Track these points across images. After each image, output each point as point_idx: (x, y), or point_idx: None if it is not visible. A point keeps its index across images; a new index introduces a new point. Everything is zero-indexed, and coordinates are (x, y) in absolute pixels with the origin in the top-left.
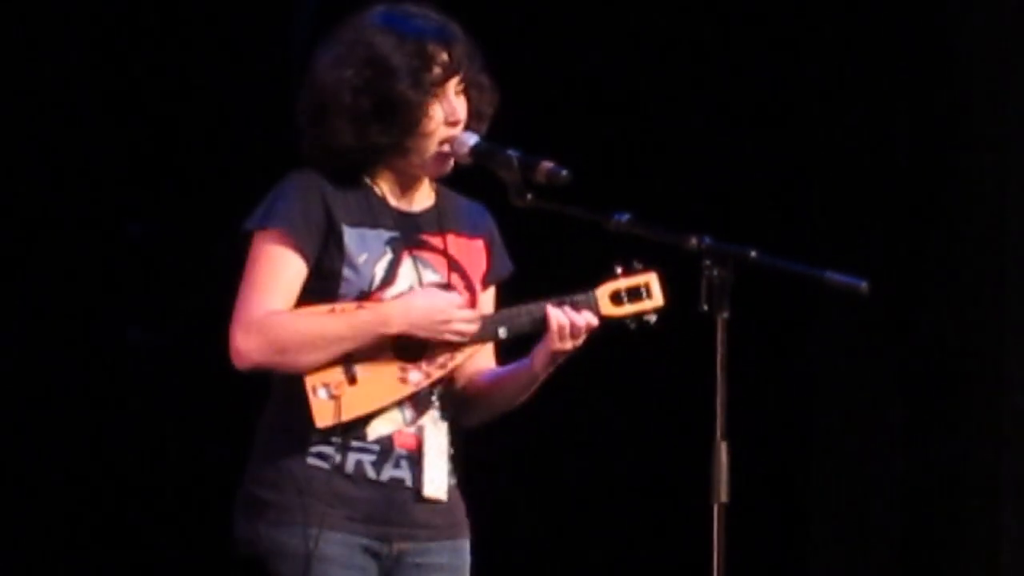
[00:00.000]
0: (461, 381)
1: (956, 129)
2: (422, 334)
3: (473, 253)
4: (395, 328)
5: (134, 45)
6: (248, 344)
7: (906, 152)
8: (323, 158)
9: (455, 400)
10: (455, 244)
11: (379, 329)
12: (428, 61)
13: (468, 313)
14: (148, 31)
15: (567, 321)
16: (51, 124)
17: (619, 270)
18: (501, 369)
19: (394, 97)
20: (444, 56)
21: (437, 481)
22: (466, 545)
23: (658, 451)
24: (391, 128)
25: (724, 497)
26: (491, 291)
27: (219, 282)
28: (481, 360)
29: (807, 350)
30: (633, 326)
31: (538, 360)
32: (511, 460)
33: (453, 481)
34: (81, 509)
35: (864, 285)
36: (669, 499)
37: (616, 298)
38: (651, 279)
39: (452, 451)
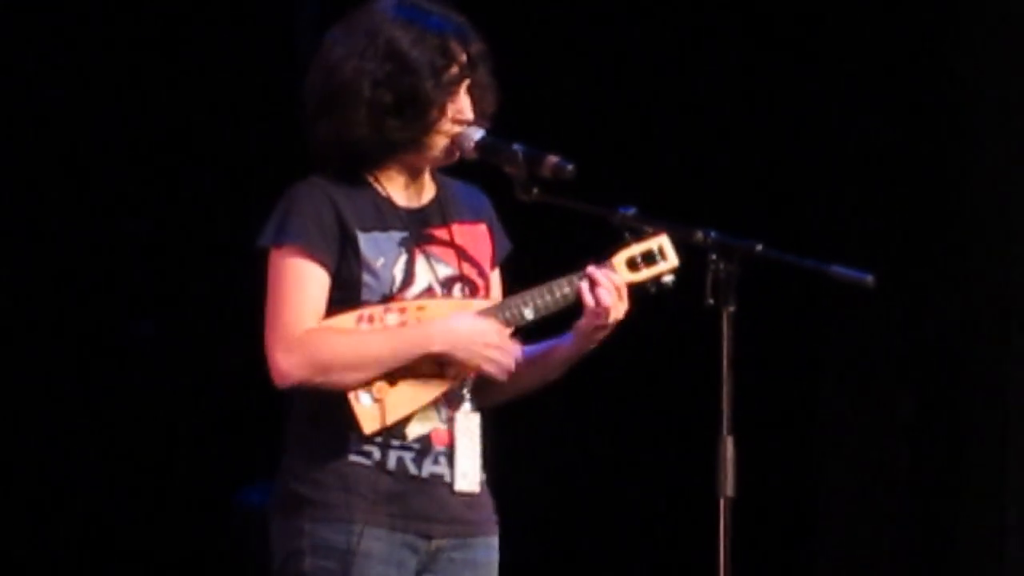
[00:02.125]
0: None
1: (962, 121)
2: (461, 355)
3: (479, 238)
4: (437, 348)
5: (138, 40)
6: (291, 364)
7: (913, 146)
8: (332, 149)
9: (481, 384)
10: (460, 233)
11: (421, 347)
12: (449, 60)
13: (510, 344)
14: (154, 27)
15: (606, 291)
16: (55, 119)
17: (628, 236)
18: (531, 348)
19: (416, 93)
20: (463, 55)
21: (470, 475)
22: (496, 542)
23: (664, 445)
24: (410, 123)
25: (730, 491)
26: (497, 271)
27: (226, 278)
28: None
29: (813, 344)
30: (653, 290)
31: (577, 338)
32: (517, 454)
33: (483, 476)
34: (87, 503)
35: (870, 279)
36: (675, 493)
37: (632, 264)
38: (663, 241)
39: (483, 444)
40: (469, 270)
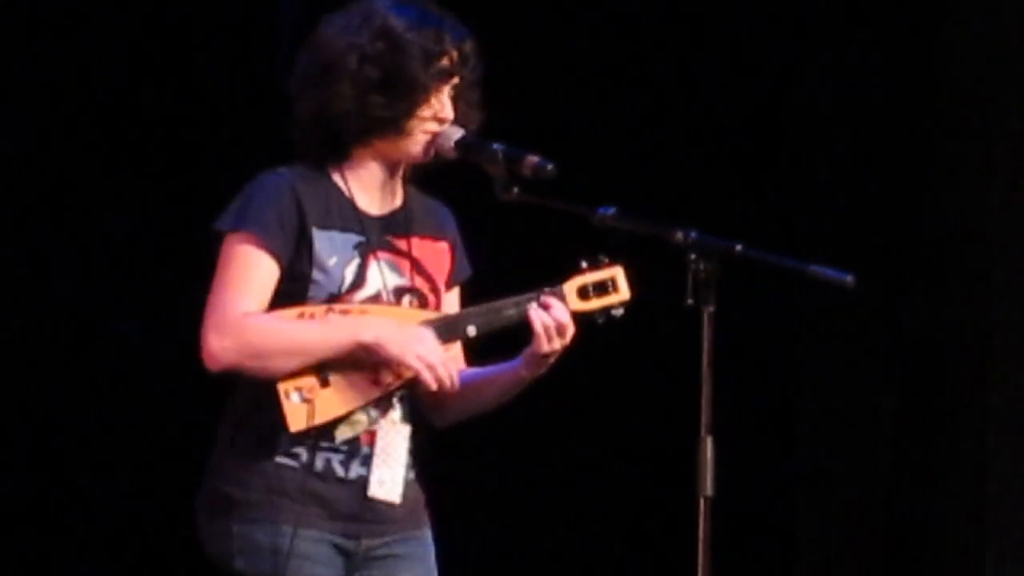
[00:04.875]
0: None
1: (942, 122)
2: (390, 349)
3: (438, 255)
4: (367, 338)
5: (119, 38)
6: (222, 346)
7: (893, 144)
8: (312, 127)
9: (427, 401)
10: (420, 247)
11: (353, 335)
12: (442, 51)
13: (442, 354)
14: (134, 25)
15: (551, 321)
16: (35, 114)
17: (584, 264)
18: (481, 370)
19: (404, 73)
20: (455, 52)
21: (388, 483)
22: (427, 534)
23: (644, 445)
24: (393, 103)
25: (710, 491)
26: (455, 293)
27: (206, 275)
28: (458, 362)
29: (794, 344)
30: (601, 320)
31: (527, 363)
32: (495, 453)
33: (411, 475)
34: (65, 501)
35: (850, 279)
36: (655, 493)
37: (583, 293)
38: (616, 273)
39: (412, 448)
40: (422, 284)
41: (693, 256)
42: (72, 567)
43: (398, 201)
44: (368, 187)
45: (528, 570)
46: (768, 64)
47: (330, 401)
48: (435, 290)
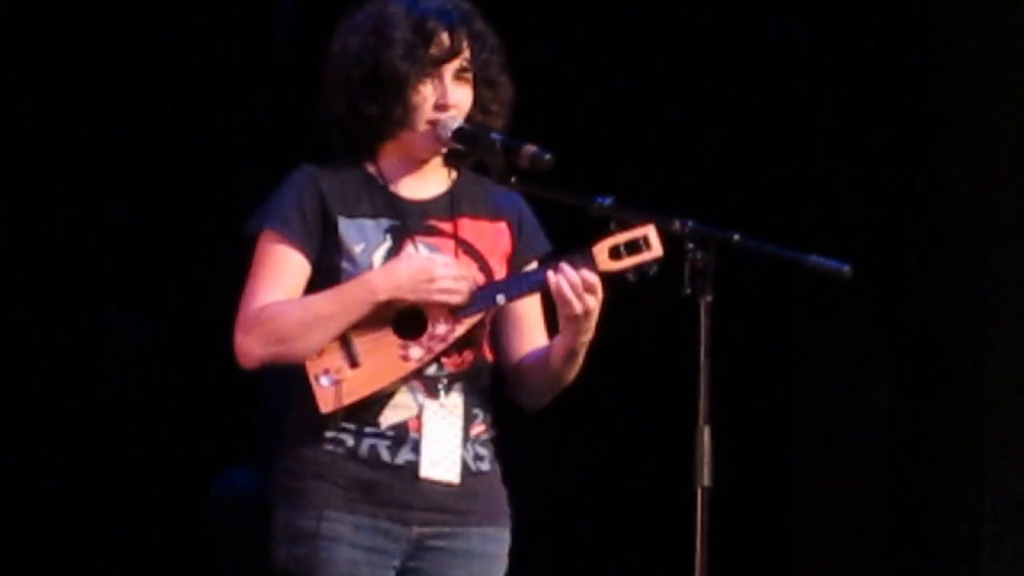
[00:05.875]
0: (512, 363)
1: (940, 112)
2: (410, 296)
3: (494, 236)
4: (382, 294)
5: (119, 27)
6: (249, 341)
7: (891, 135)
8: (327, 126)
9: (509, 383)
10: (469, 227)
11: (367, 297)
12: (426, 39)
13: (453, 268)
14: (137, 21)
15: (566, 282)
16: (35, 106)
17: (614, 225)
18: (546, 344)
19: (384, 68)
20: (444, 38)
21: (442, 464)
22: (503, 534)
23: (641, 435)
24: (378, 100)
25: (707, 481)
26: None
27: (207, 267)
28: (536, 339)
29: (791, 334)
30: (633, 279)
31: (564, 327)
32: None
33: (484, 467)
34: (69, 492)
35: (847, 269)
36: (652, 483)
37: (614, 252)
38: (649, 231)
39: (492, 434)
40: (468, 262)
41: (691, 246)
42: (70, 560)
43: (444, 186)
44: (406, 174)
45: (524, 562)
46: (767, 55)
47: (359, 380)
48: (485, 268)
